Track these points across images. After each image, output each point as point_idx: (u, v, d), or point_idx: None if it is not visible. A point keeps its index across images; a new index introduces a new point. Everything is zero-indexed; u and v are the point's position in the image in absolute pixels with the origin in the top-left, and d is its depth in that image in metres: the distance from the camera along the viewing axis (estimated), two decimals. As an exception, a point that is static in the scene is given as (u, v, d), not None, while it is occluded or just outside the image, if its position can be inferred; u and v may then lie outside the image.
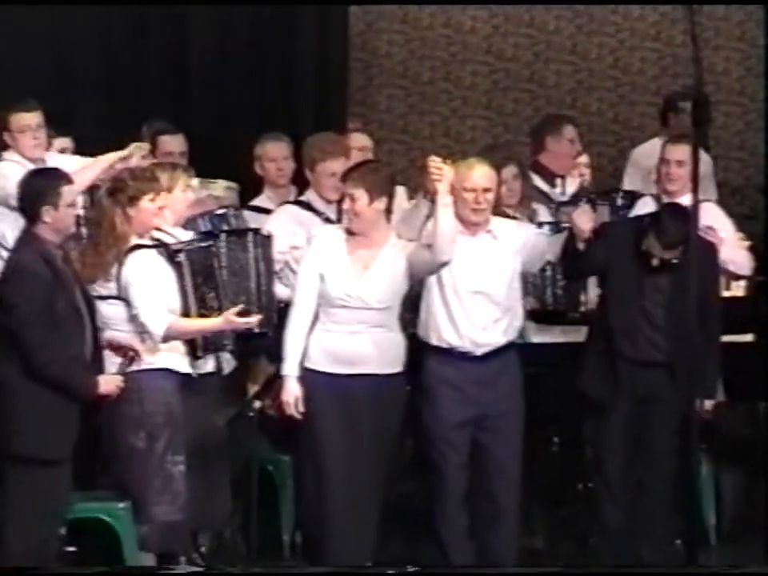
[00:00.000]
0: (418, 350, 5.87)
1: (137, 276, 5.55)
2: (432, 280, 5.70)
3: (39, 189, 5.73)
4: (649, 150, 7.62)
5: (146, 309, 5.53)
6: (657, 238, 5.75)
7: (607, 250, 5.93)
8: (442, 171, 5.58)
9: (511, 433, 5.80)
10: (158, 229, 5.68)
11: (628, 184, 7.57)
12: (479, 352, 5.72)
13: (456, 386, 5.78)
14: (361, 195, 5.62)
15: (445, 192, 5.54)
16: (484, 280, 5.84)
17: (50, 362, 5.46)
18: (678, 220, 5.67)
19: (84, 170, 5.96)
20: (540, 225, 6.52)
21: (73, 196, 5.76)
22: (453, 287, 5.74)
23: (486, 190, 5.66)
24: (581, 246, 5.95)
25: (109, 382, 5.57)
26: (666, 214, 5.85)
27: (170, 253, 5.65)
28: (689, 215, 5.09)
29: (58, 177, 5.84)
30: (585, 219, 6.13)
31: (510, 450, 5.79)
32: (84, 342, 5.57)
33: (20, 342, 5.49)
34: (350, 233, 5.68)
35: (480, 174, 5.71)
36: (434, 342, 5.77)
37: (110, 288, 5.65)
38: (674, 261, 5.70)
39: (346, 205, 5.70)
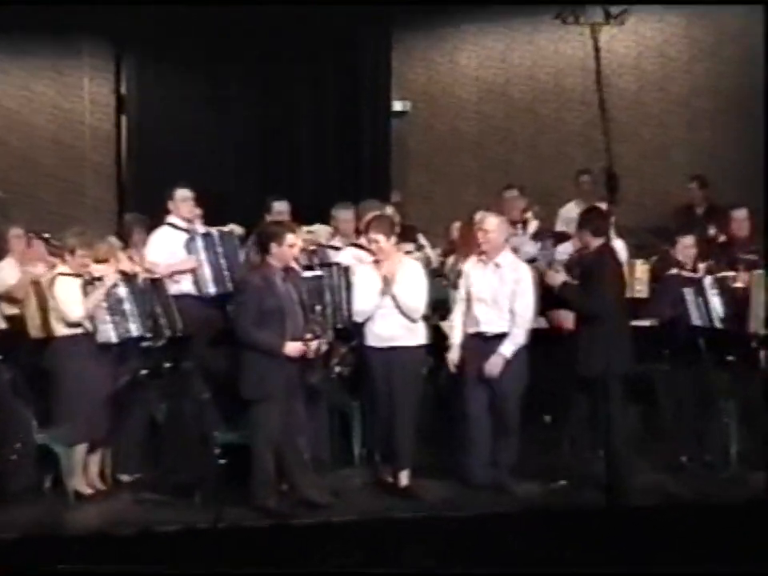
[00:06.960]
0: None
1: None
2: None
3: (270, 232, 7.52)
4: (568, 208, 10.22)
5: None
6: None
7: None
8: None
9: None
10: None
11: (558, 227, 10.10)
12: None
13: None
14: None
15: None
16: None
17: (246, 334, 7.40)
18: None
19: None
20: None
21: (292, 240, 7.44)
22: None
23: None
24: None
25: (293, 346, 7.48)
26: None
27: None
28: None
29: (283, 226, 7.59)
30: (556, 278, 8.12)
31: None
32: (284, 324, 7.46)
33: (234, 325, 7.58)
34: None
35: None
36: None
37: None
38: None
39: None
